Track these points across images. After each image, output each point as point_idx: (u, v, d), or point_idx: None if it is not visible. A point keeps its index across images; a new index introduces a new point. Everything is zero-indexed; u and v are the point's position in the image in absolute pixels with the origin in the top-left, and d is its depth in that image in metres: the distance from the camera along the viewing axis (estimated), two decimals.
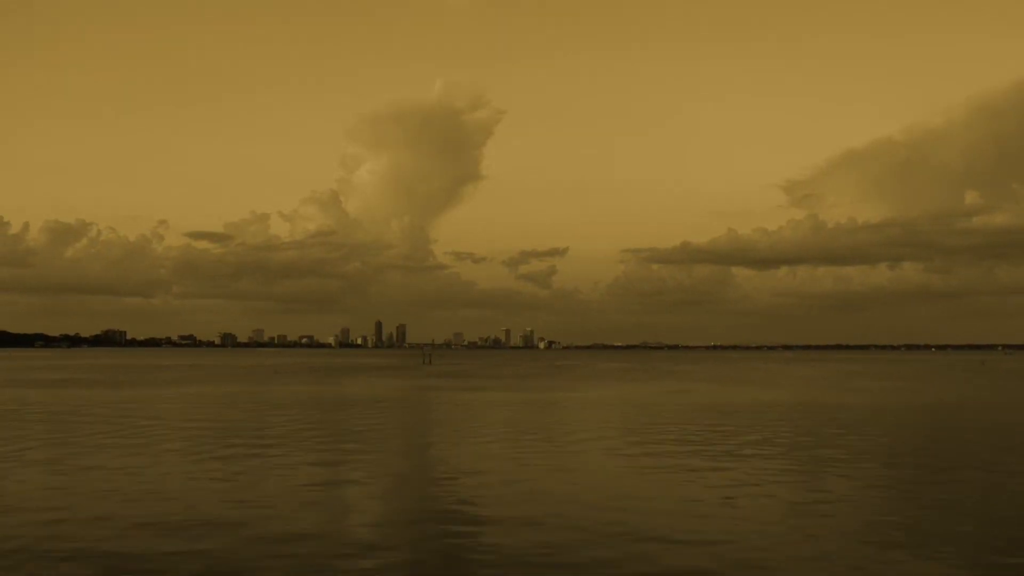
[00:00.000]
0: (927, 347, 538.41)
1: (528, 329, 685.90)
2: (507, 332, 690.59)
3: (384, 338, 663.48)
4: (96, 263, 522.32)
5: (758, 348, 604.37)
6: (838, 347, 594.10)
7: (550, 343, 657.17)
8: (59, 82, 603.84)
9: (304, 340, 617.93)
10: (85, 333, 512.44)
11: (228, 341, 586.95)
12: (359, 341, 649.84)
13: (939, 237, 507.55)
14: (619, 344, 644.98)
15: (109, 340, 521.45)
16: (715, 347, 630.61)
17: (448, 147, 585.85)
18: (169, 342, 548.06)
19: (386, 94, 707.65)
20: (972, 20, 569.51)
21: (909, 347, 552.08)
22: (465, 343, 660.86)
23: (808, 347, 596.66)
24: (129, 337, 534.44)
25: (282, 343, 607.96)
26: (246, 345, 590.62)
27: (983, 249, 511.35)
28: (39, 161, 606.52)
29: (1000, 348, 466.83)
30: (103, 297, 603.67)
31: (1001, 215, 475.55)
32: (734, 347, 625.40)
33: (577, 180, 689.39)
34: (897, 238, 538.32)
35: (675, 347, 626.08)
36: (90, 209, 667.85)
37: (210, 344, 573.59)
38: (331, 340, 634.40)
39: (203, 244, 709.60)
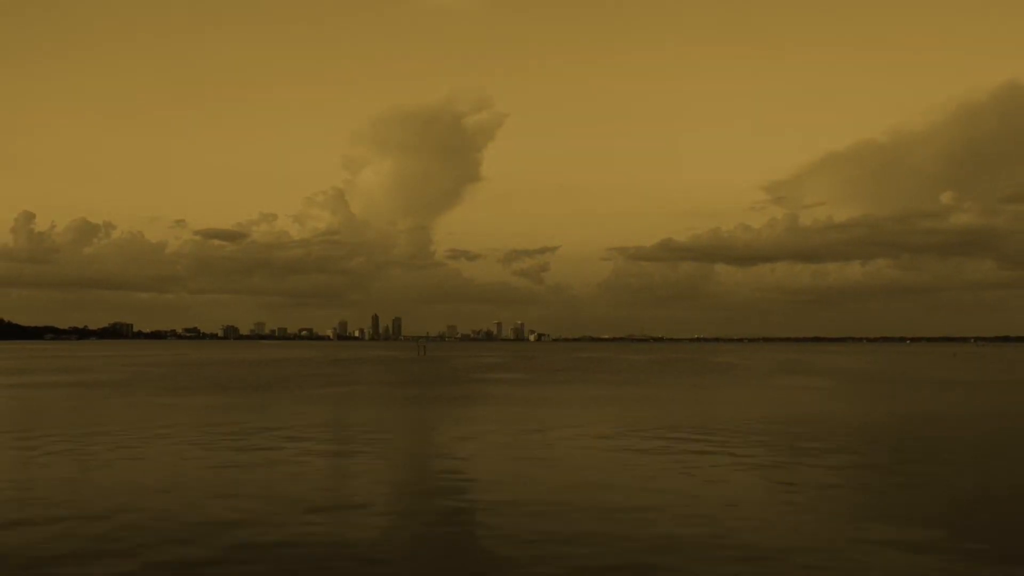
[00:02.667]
0: (902, 339, 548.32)
1: (519, 322, 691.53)
2: (498, 325, 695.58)
3: (380, 331, 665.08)
4: (114, 260, 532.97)
5: (739, 340, 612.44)
6: (816, 339, 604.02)
7: (540, 335, 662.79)
8: (94, 90, 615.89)
9: (304, 333, 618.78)
10: (96, 326, 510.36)
11: (230, 334, 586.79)
12: (356, 334, 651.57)
13: (915, 236, 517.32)
14: (606, 336, 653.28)
15: (116, 333, 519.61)
16: (698, 339, 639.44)
17: (450, 149, 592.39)
18: (174, 334, 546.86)
19: (391, 98, 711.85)
20: (959, 23, 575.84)
21: (885, 339, 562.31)
22: (459, 335, 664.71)
23: (787, 340, 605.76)
24: (136, 330, 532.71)
25: (282, 335, 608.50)
26: (248, 337, 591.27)
27: (957, 247, 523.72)
28: (72, 164, 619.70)
29: (972, 340, 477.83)
30: (118, 292, 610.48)
31: (974, 215, 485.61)
32: (716, 339, 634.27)
33: (570, 181, 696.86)
34: (873, 237, 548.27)
35: (660, 339, 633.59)
36: (115, 210, 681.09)
37: (213, 336, 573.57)
38: (329, 332, 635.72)
39: (216, 242, 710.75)
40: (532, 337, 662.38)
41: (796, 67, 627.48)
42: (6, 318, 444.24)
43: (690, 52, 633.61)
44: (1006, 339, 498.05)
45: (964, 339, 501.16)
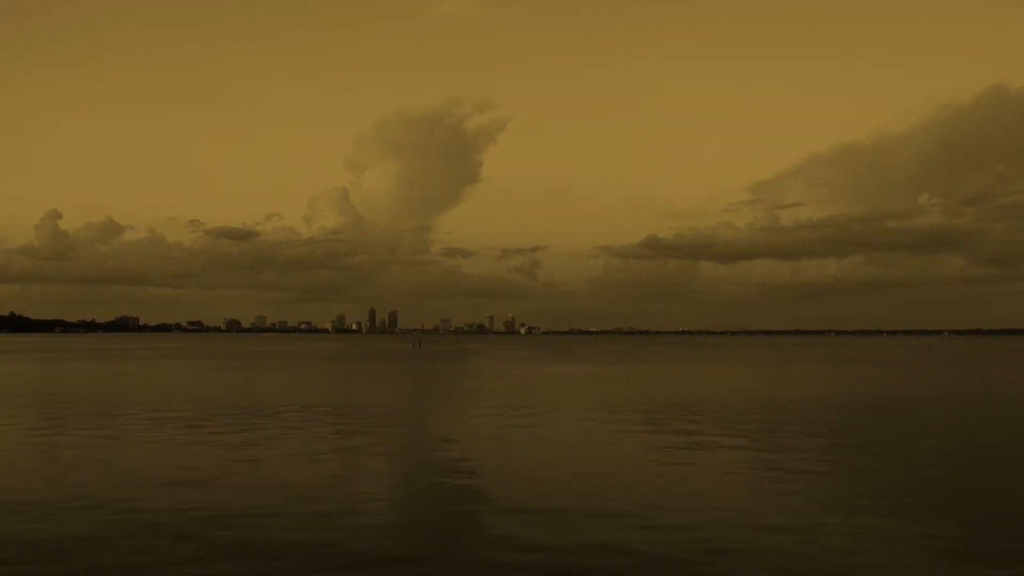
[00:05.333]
0: (879, 332, 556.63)
1: (510, 316, 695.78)
2: (491, 319, 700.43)
3: (377, 324, 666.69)
4: (133, 258, 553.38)
5: (722, 333, 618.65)
6: (796, 332, 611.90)
7: (530, 328, 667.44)
8: (120, 96, 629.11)
9: (303, 326, 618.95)
10: (103, 320, 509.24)
11: (233, 327, 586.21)
12: (354, 327, 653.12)
13: (890, 235, 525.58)
14: (594, 329, 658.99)
15: (123, 326, 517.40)
16: (683, 332, 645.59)
17: (451, 152, 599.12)
18: (178, 327, 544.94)
19: (396, 102, 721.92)
20: (951, 26, 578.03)
21: (863, 332, 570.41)
22: (452, 328, 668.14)
23: (769, 332, 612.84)
24: (141, 323, 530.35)
25: (283, 328, 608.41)
26: (249, 330, 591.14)
27: (929, 246, 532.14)
28: (99, 167, 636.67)
29: (946, 333, 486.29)
30: (131, 288, 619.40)
31: (946, 216, 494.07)
32: (700, 332, 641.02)
33: (564, 182, 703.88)
34: (850, 236, 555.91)
35: (646, 332, 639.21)
36: (138, 211, 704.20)
37: (216, 329, 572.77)
38: (328, 326, 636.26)
39: (227, 241, 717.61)
40: (523, 330, 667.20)
41: (784, 70, 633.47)
42: (24, 313, 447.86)
43: (680, 57, 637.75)
44: (978, 332, 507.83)
45: (938, 332, 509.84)
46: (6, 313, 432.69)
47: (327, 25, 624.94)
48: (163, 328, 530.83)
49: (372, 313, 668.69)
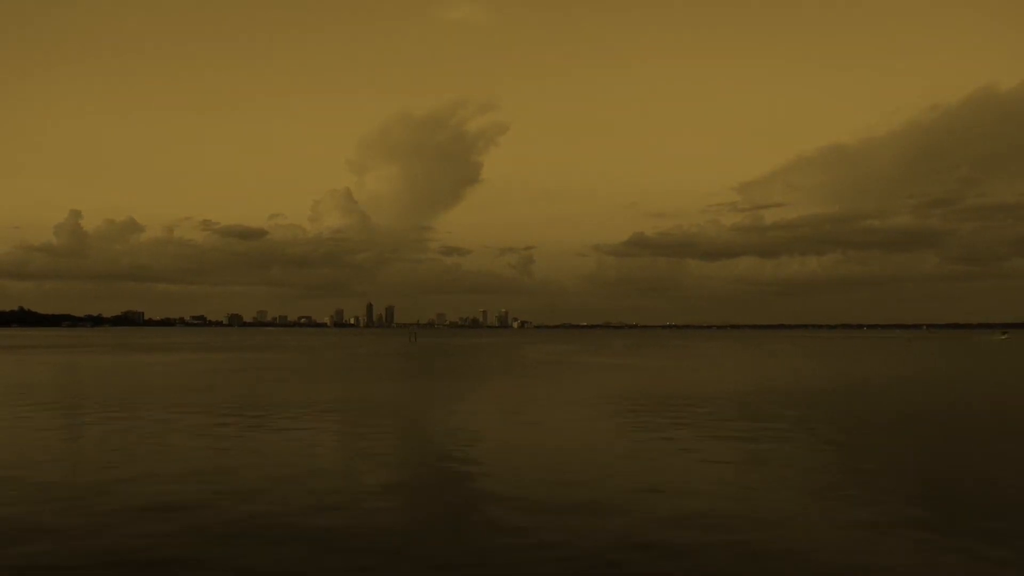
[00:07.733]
0: (859, 326, 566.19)
1: (503, 310, 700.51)
2: (484, 313, 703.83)
3: (374, 319, 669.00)
4: (144, 255, 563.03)
5: (708, 328, 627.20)
6: (780, 327, 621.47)
7: (523, 323, 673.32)
8: (142, 104, 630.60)
9: (303, 320, 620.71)
10: (109, 315, 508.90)
11: (235, 321, 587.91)
12: (352, 321, 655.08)
13: (870, 234, 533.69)
14: (584, 324, 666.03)
15: (128, 320, 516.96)
16: (670, 327, 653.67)
17: (452, 154, 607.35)
18: (182, 322, 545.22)
19: (399, 105, 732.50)
20: (944, 27, 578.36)
21: (844, 326, 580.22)
22: (447, 323, 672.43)
23: (754, 327, 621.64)
24: (146, 317, 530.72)
25: (283, 323, 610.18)
26: (251, 324, 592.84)
27: (907, 244, 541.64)
28: (119, 170, 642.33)
29: (924, 327, 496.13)
30: (142, 284, 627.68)
31: (924, 216, 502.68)
32: (686, 327, 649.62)
33: (557, 183, 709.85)
34: (831, 234, 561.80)
35: (634, 327, 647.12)
36: (155, 211, 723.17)
37: (219, 324, 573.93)
38: (327, 320, 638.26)
39: (235, 239, 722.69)
40: (516, 324, 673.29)
41: (774, 71, 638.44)
42: (35, 308, 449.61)
43: (671, 62, 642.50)
44: (955, 326, 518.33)
45: (916, 326, 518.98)
46: (15, 308, 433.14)
47: (332, 29, 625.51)
48: (167, 323, 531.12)
49: (370, 308, 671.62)
